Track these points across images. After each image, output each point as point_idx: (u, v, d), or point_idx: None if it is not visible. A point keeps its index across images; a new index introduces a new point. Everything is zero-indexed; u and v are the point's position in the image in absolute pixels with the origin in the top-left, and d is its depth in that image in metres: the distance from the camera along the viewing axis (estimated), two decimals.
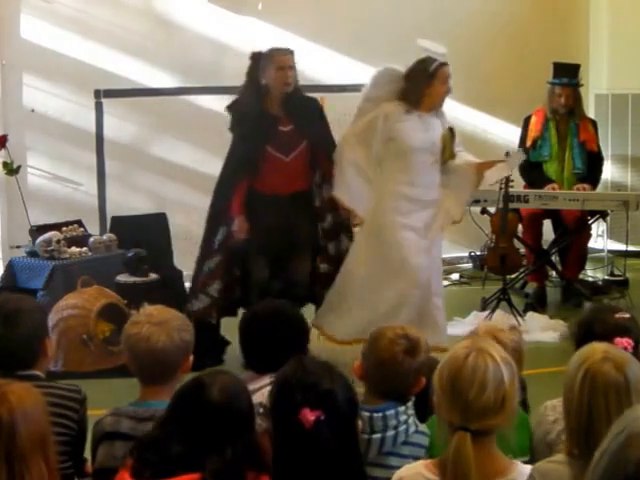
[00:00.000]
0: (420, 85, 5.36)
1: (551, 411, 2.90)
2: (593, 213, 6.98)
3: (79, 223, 6.64)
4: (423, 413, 2.94)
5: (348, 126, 5.61)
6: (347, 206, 5.40)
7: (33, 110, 7.50)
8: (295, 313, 3.29)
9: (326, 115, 5.93)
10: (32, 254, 6.22)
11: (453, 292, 7.35)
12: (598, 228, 7.85)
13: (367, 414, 2.76)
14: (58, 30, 7.51)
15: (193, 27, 7.83)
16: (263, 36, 7.91)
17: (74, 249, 6.27)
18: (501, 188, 6.36)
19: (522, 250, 7.06)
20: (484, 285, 7.05)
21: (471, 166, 5.52)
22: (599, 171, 7.19)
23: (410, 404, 2.86)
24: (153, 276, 6.15)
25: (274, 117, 5.50)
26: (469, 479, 2.25)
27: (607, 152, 7.97)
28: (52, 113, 7.55)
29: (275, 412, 2.46)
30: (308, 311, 5.26)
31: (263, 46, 7.81)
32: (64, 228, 6.42)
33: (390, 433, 2.78)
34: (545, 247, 7.20)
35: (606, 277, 7.53)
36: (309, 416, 2.31)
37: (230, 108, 5.60)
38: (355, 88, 8.21)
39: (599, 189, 7.35)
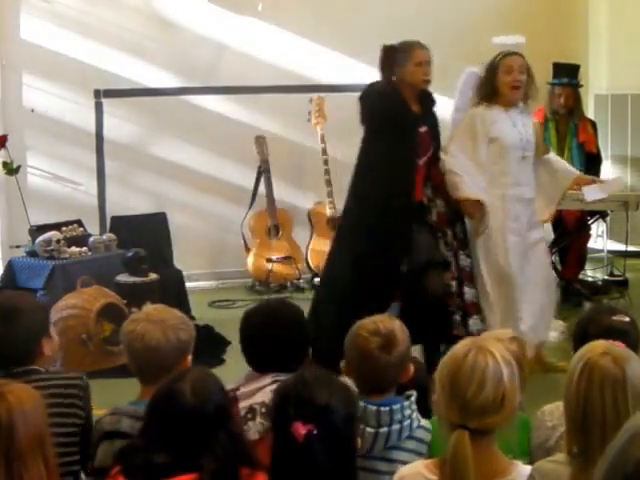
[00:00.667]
0: (488, 80, 5.20)
1: (549, 416, 2.89)
2: (593, 213, 6.98)
3: (79, 223, 6.64)
4: (423, 413, 2.96)
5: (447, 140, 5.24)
6: (480, 199, 5.08)
7: (33, 110, 7.50)
8: (296, 312, 3.28)
9: None
10: (32, 254, 6.22)
11: None
12: (598, 228, 7.85)
13: (374, 408, 2.77)
14: (58, 30, 7.52)
15: (193, 27, 7.83)
16: (263, 36, 7.93)
17: (74, 249, 6.27)
18: None
19: None
20: None
21: (569, 173, 5.45)
22: (597, 173, 7.19)
23: (413, 399, 2.87)
24: (153, 276, 6.15)
25: (417, 117, 5.04)
26: (467, 477, 2.25)
27: (607, 152, 7.98)
28: (52, 113, 7.55)
29: (273, 422, 2.46)
30: None
31: (263, 46, 7.89)
32: (64, 228, 6.42)
33: (396, 427, 2.79)
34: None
35: (606, 277, 7.53)
36: (300, 430, 2.29)
37: (373, 108, 5.02)
38: (355, 88, 8.23)
39: None
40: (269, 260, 7.70)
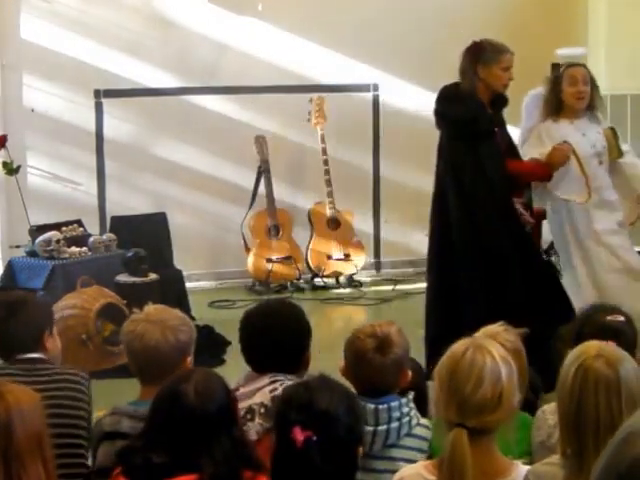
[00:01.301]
0: (553, 92, 5.23)
1: (550, 415, 2.90)
2: None
3: (79, 223, 6.64)
4: (421, 414, 2.96)
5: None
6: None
7: (33, 110, 7.50)
8: (296, 313, 3.28)
9: None
10: (32, 254, 6.22)
11: None
12: None
13: (372, 406, 2.78)
14: (58, 30, 7.52)
15: (193, 27, 7.83)
16: (263, 36, 7.93)
17: (74, 249, 6.27)
18: None
19: None
20: None
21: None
22: None
23: (411, 397, 2.88)
24: (153, 276, 6.15)
25: (493, 118, 5.01)
26: (465, 476, 2.25)
27: None
28: (52, 113, 7.55)
29: (274, 426, 2.46)
30: None
31: (263, 46, 7.89)
32: (64, 228, 6.42)
33: (394, 425, 2.80)
34: (545, 247, 7.19)
35: None
36: (299, 435, 2.30)
37: (451, 111, 4.93)
38: (355, 88, 8.26)
39: None
40: (269, 260, 7.70)
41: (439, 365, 2.39)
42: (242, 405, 2.99)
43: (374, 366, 2.85)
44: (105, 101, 7.67)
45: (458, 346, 2.38)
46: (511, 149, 5.12)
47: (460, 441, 2.26)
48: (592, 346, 2.34)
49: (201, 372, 2.56)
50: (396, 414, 2.81)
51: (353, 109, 8.13)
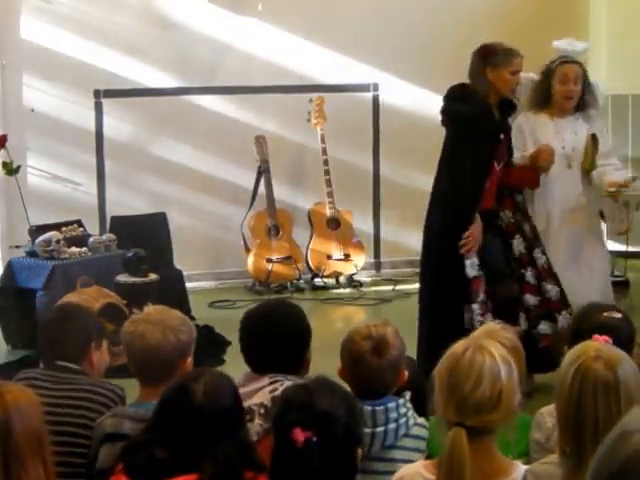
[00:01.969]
0: (542, 86, 5.15)
1: (549, 417, 2.90)
2: None
3: (79, 223, 6.63)
4: (419, 415, 2.96)
5: None
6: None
7: (33, 110, 7.50)
8: (297, 313, 3.28)
9: None
10: (31, 254, 6.22)
11: None
12: None
13: (369, 408, 2.78)
14: (58, 30, 7.52)
15: (193, 27, 7.83)
16: (263, 36, 7.93)
17: (74, 249, 6.27)
18: None
19: None
20: None
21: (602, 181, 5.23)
22: None
23: (407, 397, 2.88)
24: (153, 276, 6.14)
25: (500, 124, 4.97)
26: (464, 475, 2.25)
27: None
28: (52, 113, 7.55)
29: (274, 426, 2.46)
30: None
31: (263, 46, 7.89)
32: (64, 228, 6.41)
33: (392, 426, 2.80)
34: None
35: None
36: (299, 436, 2.30)
37: (458, 111, 4.87)
38: (355, 88, 8.26)
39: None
40: (269, 260, 7.70)
41: (439, 364, 2.39)
42: None
43: (371, 368, 2.85)
44: (105, 101, 7.67)
45: (458, 345, 2.38)
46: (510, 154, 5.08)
47: (459, 440, 2.26)
48: (591, 347, 2.34)
49: (212, 373, 2.58)
50: (393, 415, 2.81)
51: (353, 109, 8.13)
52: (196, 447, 2.43)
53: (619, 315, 3.10)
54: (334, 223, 7.87)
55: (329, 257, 7.87)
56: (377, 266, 8.30)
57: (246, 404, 2.97)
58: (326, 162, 7.73)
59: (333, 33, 8.00)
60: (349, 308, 7.42)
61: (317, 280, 7.88)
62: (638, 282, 7.26)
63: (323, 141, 7.75)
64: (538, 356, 4.40)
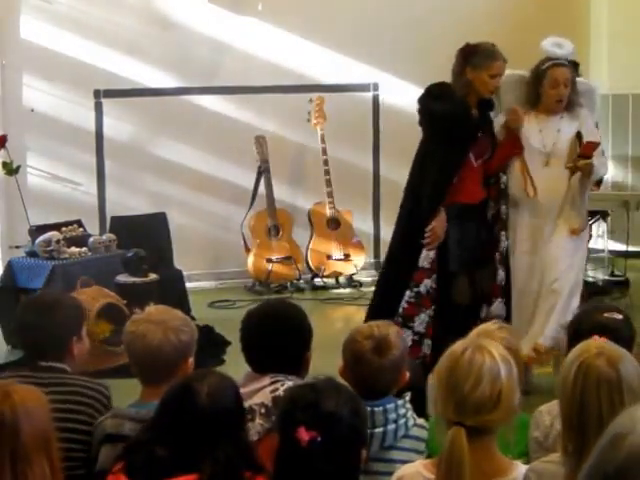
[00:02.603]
0: (532, 87, 5.12)
1: (547, 415, 2.91)
2: (593, 213, 6.96)
3: (79, 223, 6.63)
4: (419, 415, 2.96)
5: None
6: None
7: (33, 110, 7.50)
8: (298, 313, 3.28)
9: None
10: (31, 254, 6.22)
11: None
12: (598, 228, 7.85)
13: (368, 409, 2.77)
14: (58, 30, 7.52)
15: (193, 27, 7.83)
16: (263, 36, 7.93)
17: (74, 249, 6.27)
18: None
19: None
20: None
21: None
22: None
23: (407, 398, 2.88)
24: (153, 276, 6.15)
25: (478, 123, 5.01)
26: (463, 475, 2.24)
27: (607, 152, 7.97)
28: (52, 113, 7.55)
29: (279, 425, 2.47)
30: None
31: (263, 46, 7.89)
32: (64, 228, 6.41)
33: (391, 427, 2.80)
34: None
35: (606, 277, 7.52)
36: (304, 436, 2.30)
37: (433, 108, 4.95)
38: (355, 88, 8.25)
39: (600, 189, 7.34)
40: (269, 260, 7.70)
41: (438, 364, 2.39)
42: None
43: (372, 367, 2.84)
44: (105, 101, 7.67)
45: (458, 345, 2.38)
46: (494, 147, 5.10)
47: (458, 440, 2.26)
48: (593, 344, 2.34)
49: (215, 374, 2.59)
50: (392, 416, 2.81)
51: (353, 109, 8.13)
52: (196, 447, 2.43)
53: (619, 316, 3.10)
54: (334, 223, 7.87)
55: (329, 257, 7.87)
56: (377, 266, 8.28)
57: (247, 404, 2.96)
58: (326, 162, 7.73)
59: (333, 33, 8.00)
60: (349, 308, 7.41)
61: (317, 280, 7.88)
62: (638, 282, 7.26)
63: (323, 141, 7.75)
64: None
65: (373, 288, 5.56)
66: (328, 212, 7.82)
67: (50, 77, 7.52)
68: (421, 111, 5.01)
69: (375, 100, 8.20)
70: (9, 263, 6.31)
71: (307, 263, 7.86)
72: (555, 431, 2.81)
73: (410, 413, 2.87)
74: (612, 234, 7.91)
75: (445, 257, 4.91)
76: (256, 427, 2.91)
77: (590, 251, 7.54)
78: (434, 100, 4.96)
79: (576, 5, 8.56)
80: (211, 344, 5.87)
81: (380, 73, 8.16)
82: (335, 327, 6.86)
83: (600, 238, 8.02)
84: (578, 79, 5.26)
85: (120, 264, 6.18)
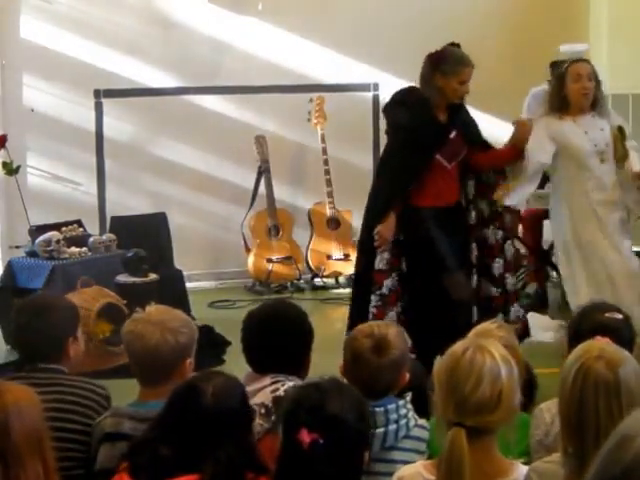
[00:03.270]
0: (557, 89, 5.18)
1: (547, 413, 2.91)
2: None
3: (79, 223, 6.63)
4: (421, 415, 2.95)
5: None
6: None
7: (33, 110, 7.50)
8: (298, 313, 3.28)
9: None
10: (31, 254, 6.21)
11: None
12: None
13: (369, 409, 2.76)
14: (58, 30, 7.52)
15: (193, 27, 7.83)
16: (263, 36, 7.93)
17: (74, 249, 6.26)
18: None
19: (523, 250, 7.05)
20: None
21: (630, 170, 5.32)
22: None
23: (408, 399, 2.87)
24: (153, 276, 6.14)
25: (443, 128, 4.98)
26: (463, 475, 2.24)
27: None
28: (52, 113, 7.55)
29: (282, 426, 2.46)
30: None
31: (263, 46, 7.89)
32: (64, 228, 6.41)
33: (392, 427, 2.79)
34: (545, 247, 7.19)
35: None
36: (306, 437, 2.29)
37: (395, 114, 4.99)
38: (355, 88, 8.25)
39: None
40: (269, 260, 7.69)
41: (439, 364, 2.39)
42: None
43: (371, 366, 2.84)
44: (105, 101, 7.67)
45: (458, 346, 2.38)
46: (477, 141, 5.10)
47: (458, 440, 2.26)
48: (594, 346, 2.34)
49: (222, 375, 2.59)
50: (393, 416, 2.80)
51: (353, 109, 8.12)
52: (200, 447, 2.43)
53: (620, 316, 3.10)
54: (334, 223, 7.87)
55: (329, 257, 7.87)
56: None
57: None
58: (326, 162, 7.72)
59: (333, 33, 8.00)
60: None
61: (317, 280, 7.88)
62: None
63: (323, 141, 7.75)
64: None
65: None
66: (328, 212, 7.82)
67: (50, 77, 7.51)
68: (386, 119, 5.03)
69: (375, 100, 8.20)
70: (9, 263, 6.30)
71: (307, 263, 7.86)
72: (555, 429, 2.81)
73: (411, 413, 2.87)
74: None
75: (431, 258, 4.89)
76: (256, 427, 2.91)
77: None
78: (399, 106, 4.97)
79: (576, 5, 8.55)
80: (211, 344, 5.86)
81: (380, 73, 8.15)
82: (335, 327, 6.84)
83: None
84: None
85: (120, 264, 6.18)
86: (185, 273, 7.00)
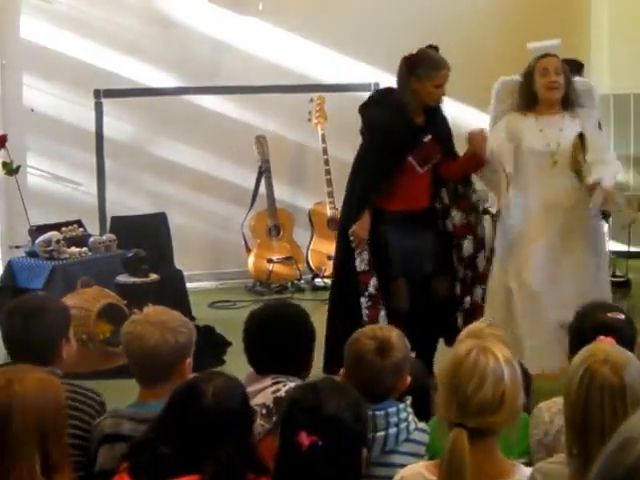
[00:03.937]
0: (525, 86, 5.01)
1: (546, 412, 2.91)
2: None
3: (79, 223, 6.63)
4: (423, 416, 2.94)
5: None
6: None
7: (33, 110, 7.50)
8: (299, 314, 3.27)
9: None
10: (31, 254, 6.21)
11: None
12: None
13: (369, 412, 2.75)
14: (58, 30, 7.51)
15: (193, 27, 7.83)
16: (263, 36, 7.92)
17: (74, 249, 6.26)
18: None
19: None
20: None
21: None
22: None
23: (408, 402, 2.86)
24: (153, 276, 6.14)
25: (418, 130, 4.93)
26: (464, 476, 2.24)
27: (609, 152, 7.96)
28: (52, 113, 7.55)
29: (280, 427, 2.46)
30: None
31: (263, 45, 7.88)
32: (64, 228, 6.41)
33: (392, 431, 2.78)
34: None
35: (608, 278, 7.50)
36: (305, 440, 2.28)
37: (371, 114, 4.96)
38: (355, 88, 8.24)
39: None
40: (270, 260, 7.69)
41: (442, 365, 2.39)
42: None
43: (373, 369, 2.83)
44: (105, 101, 7.66)
45: (462, 347, 2.37)
46: (449, 146, 5.07)
47: (459, 441, 2.25)
48: (600, 349, 2.34)
49: (223, 376, 2.60)
50: (394, 420, 2.79)
51: (353, 109, 8.06)
52: (200, 448, 2.43)
53: (622, 316, 3.10)
54: (334, 223, 7.85)
55: (329, 257, 7.85)
56: None
57: None
58: (327, 162, 7.72)
59: (333, 33, 8.00)
60: None
61: (318, 280, 7.87)
62: (639, 282, 7.25)
63: (324, 141, 7.75)
64: None
65: None
66: (329, 212, 7.81)
67: (50, 77, 7.51)
68: (362, 120, 5.00)
69: None
70: (9, 263, 6.30)
71: (308, 263, 7.86)
72: (555, 427, 2.82)
73: (411, 417, 2.85)
74: (613, 234, 7.90)
75: (384, 261, 4.89)
76: (257, 428, 2.90)
77: None
78: (373, 107, 4.96)
79: (576, 5, 8.55)
80: (211, 344, 5.86)
81: (380, 73, 8.13)
82: None
83: None
84: (576, 79, 5.21)
85: (120, 264, 6.17)
86: (185, 273, 7.00)
